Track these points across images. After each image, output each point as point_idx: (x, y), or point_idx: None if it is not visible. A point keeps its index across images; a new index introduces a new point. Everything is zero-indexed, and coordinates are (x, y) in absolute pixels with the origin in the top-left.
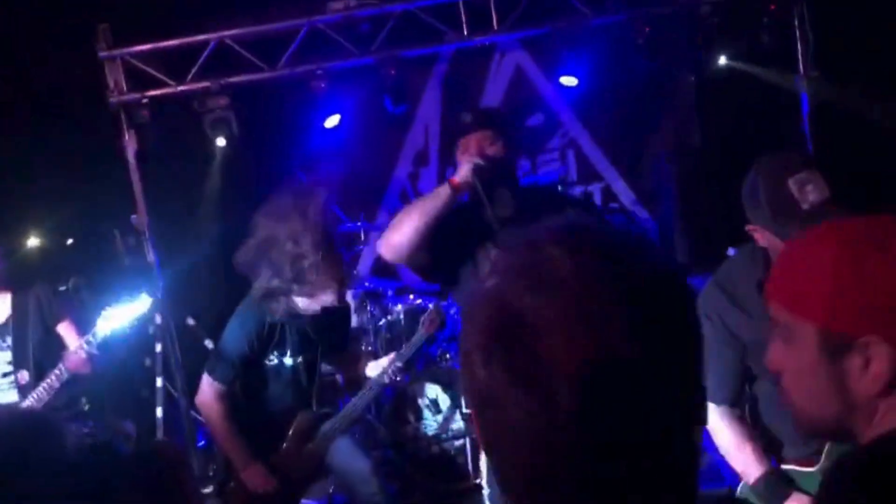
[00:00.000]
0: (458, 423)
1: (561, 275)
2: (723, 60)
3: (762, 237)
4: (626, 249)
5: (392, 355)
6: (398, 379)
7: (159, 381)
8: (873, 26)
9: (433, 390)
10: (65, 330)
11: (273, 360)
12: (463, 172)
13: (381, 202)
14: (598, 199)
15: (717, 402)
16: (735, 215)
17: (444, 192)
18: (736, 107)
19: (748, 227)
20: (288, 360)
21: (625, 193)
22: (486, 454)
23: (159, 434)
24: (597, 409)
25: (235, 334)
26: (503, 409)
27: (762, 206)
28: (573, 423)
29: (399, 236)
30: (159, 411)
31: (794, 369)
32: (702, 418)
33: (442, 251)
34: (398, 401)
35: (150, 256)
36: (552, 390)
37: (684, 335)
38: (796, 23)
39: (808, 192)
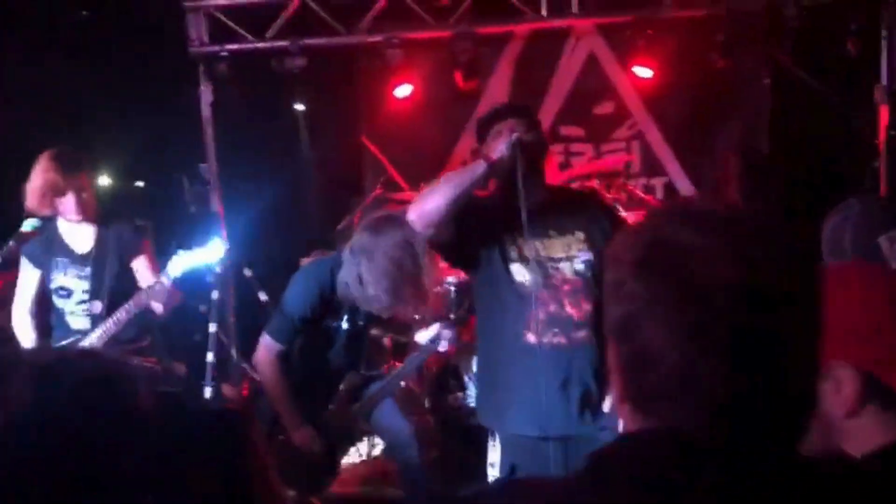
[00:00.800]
0: None
1: (713, 218)
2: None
3: None
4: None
5: (440, 324)
6: (449, 347)
7: (212, 328)
8: None
9: None
10: (140, 265)
11: (330, 323)
12: (500, 148)
13: (441, 174)
14: (659, 194)
15: None
16: (794, 222)
17: (479, 166)
18: (809, 114)
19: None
20: (344, 325)
21: (687, 190)
22: (618, 378)
23: (208, 378)
24: (737, 327)
25: (299, 297)
26: (648, 326)
27: (846, 254)
28: (722, 339)
29: (430, 204)
30: (210, 356)
31: None
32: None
33: (468, 231)
34: (443, 370)
35: (215, 206)
36: (702, 308)
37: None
38: (884, 33)
39: None
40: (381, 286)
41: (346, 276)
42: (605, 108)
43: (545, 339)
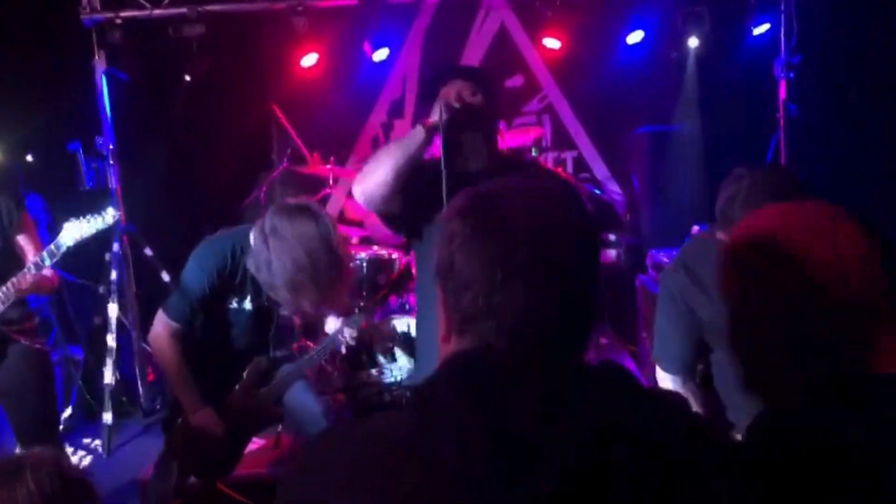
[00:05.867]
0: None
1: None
2: (693, 42)
3: None
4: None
5: (342, 320)
6: (352, 343)
7: (113, 310)
8: (858, 19)
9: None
10: (25, 242)
11: (233, 303)
12: (434, 112)
13: (352, 148)
14: (570, 168)
15: (672, 373)
16: (701, 195)
17: (417, 133)
18: (717, 88)
19: (720, 236)
20: (247, 305)
21: (597, 164)
22: (443, 314)
23: (109, 363)
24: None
25: (195, 274)
26: (464, 258)
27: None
28: (521, 265)
29: (374, 178)
30: (110, 339)
31: None
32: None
33: (413, 200)
34: (356, 348)
35: (112, 182)
36: (507, 238)
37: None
38: (782, 7)
39: None
40: (286, 280)
41: (254, 257)
42: (516, 80)
43: None
